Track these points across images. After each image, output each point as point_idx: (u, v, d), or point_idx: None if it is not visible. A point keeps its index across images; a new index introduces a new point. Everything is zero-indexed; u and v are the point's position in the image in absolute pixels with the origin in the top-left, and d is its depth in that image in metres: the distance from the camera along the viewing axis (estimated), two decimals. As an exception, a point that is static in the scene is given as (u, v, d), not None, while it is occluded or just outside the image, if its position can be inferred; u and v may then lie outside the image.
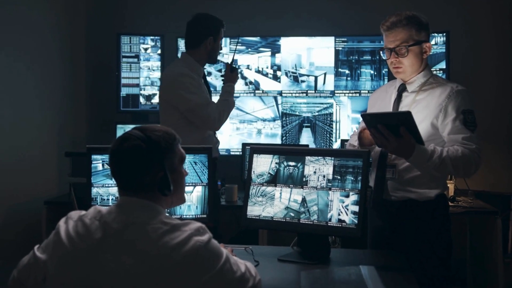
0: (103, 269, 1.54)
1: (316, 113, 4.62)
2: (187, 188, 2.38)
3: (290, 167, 2.43)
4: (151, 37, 4.75)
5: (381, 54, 2.60)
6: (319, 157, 2.40)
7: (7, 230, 3.79)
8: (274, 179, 2.46)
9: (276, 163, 2.47)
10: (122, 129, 4.42)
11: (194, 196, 2.45)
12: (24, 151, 3.99)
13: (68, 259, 1.58)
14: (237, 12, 4.82)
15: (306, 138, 4.62)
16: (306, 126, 4.65)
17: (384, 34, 2.56)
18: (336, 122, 4.57)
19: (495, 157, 4.63)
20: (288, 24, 4.81)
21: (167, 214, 1.70)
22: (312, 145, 4.54)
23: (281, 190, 2.45)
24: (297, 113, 4.63)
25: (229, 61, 3.70)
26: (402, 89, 2.60)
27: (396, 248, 2.52)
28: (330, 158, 2.37)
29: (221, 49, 3.66)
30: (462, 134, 2.37)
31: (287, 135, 4.62)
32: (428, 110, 2.47)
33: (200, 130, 3.47)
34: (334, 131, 4.57)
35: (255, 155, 2.52)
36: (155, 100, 4.73)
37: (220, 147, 4.46)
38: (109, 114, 4.83)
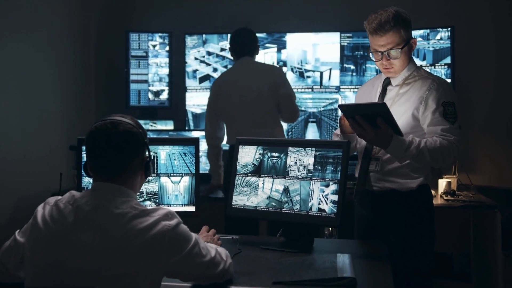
0: (73, 251, 1.61)
1: (322, 109, 4.62)
2: (174, 178, 2.47)
3: (274, 158, 2.47)
4: (159, 34, 4.79)
5: (370, 56, 2.58)
6: (301, 148, 2.43)
7: (16, 220, 3.82)
8: (258, 170, 2.50)
9: (260, 154, 2.51)
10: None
11: (181, 186, 2.49)
12: (34, 145, 4.06)
13: (42, 242, 1.66)
14: (243, 9, 4.87)
15: (312, 133, 4.62)
16: (312, 122, 4.64)
17: (371, 35, 2.51)
18: (342, 117, 4.57)
19: (499, 151, 4.63)
20: (293, 20, 4.82)
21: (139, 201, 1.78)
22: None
23: (263, 180, 2.49)
24: (302, 109, 4.61)
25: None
26: (386, 83, 2.62)
27: (380, 238, 2.54)
28: (311, 148, 2.41)
29: None
30: (441, 126, 2.38)
31: (293, 130, 4.62)
32: (410, 103, 2.49)
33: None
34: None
35: (240, 146, 2.56)
36: (163, 96, 4.79)
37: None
38: (118, 110, 4.79)
